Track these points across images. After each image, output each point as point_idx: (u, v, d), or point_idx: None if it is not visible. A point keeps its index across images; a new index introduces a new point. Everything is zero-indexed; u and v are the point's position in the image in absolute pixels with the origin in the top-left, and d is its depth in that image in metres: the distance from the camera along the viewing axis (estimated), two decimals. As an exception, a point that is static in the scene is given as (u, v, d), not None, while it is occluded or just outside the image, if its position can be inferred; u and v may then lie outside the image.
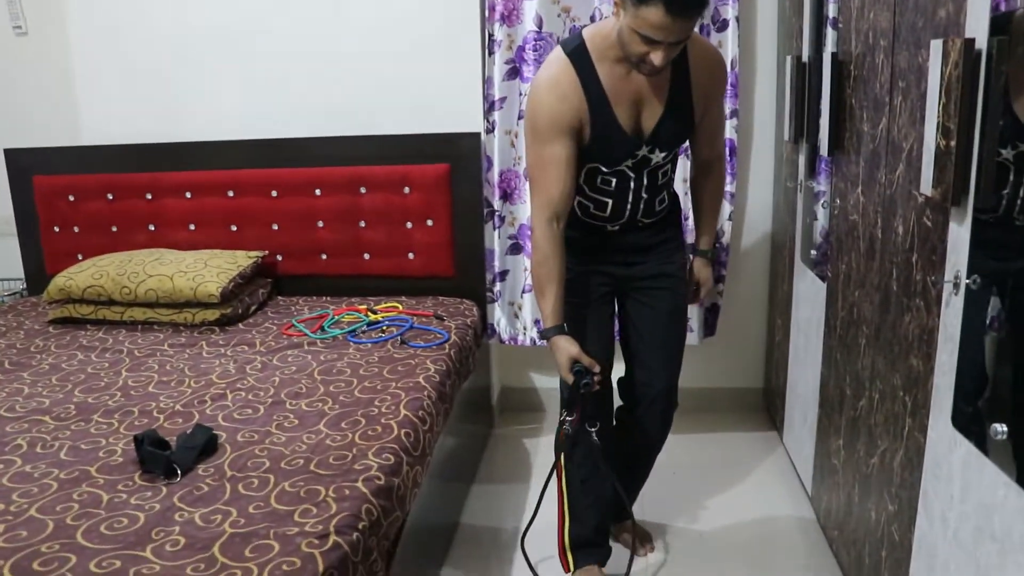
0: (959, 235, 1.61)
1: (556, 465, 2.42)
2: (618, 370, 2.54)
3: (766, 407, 3.70)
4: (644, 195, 2.30)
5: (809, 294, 2.84)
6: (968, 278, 1.56)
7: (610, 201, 2.30)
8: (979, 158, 1.52)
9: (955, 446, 1.63)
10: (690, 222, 2.76)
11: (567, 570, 2.45)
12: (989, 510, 1.48)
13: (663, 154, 2.26)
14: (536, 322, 3.49)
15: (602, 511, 2.49)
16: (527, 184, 3.36)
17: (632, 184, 2.27)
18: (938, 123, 1.63)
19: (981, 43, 1.50)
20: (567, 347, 2.22)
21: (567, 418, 2.32)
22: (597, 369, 2.24)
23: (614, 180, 2.26)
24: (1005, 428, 1.42)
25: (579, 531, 2.44)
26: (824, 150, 2.55)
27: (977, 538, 1.53)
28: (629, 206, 2.31)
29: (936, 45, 1.62)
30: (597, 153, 2.22)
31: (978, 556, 1.53)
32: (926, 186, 1.71)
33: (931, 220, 1.76)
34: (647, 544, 2.72)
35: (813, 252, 2.82)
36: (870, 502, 2.18)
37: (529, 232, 3.39)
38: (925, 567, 1.79)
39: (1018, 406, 1.40)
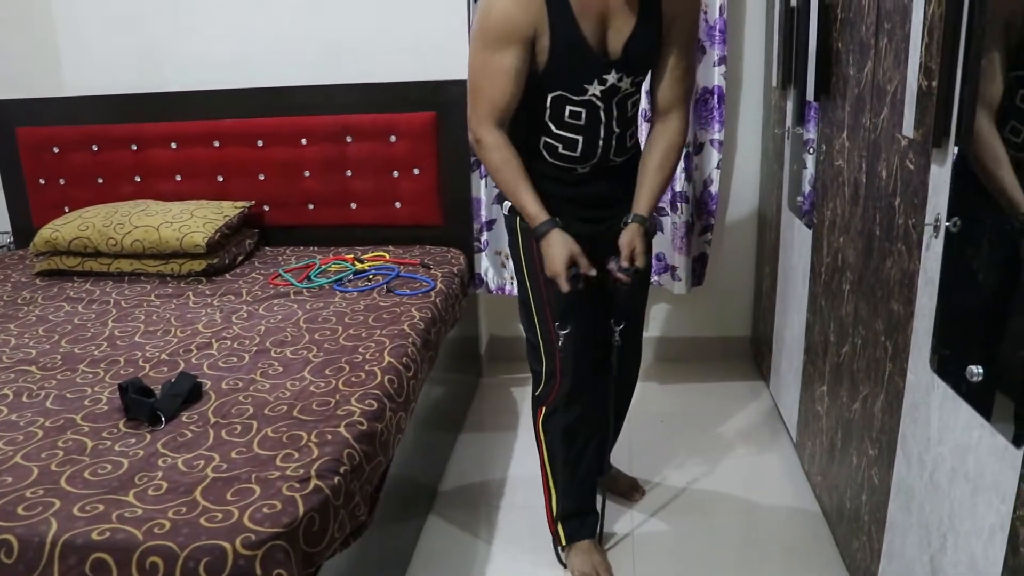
0: (940, 177, 1.60)
1: (536, 440, 2.42)
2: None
3: (754, 355, 3.72)
4: (616, 128, 2.16)
5: (796, 242, 2.84)
6: (948, 220, 1.56)
7: (580, 138, 2.14)
8: (960, 98, 1.51)
9: (933, 389, 1.64)
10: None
11: (557, 542, 2.45)
12: (964, 451, 1.49)
13: (630, 79, 2.11)
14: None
15: (586, 481, 2.43)
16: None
17: (603, 116, 2.12)
18: (920, 63, 1.62)
19: (964, -19, 1.48)
20: (567, 242, 2.10)
21: (543, 393, 2.33)
22: (593, 272, 2.13)
23: (584, 112, 2.11)
24: (981, 370, 1.43)
25: (566, 503, 2.42)
26: (811, 95, 2.53)
27: (952, 478, 1.55)
28: (601, 141, 2.15)
29: (919, -16, 1.60)
30: (561, 73, 2.05)
31: (952, 496, 1.54)
32: (908, 128, 1.70)
33: (913, 163, 1.75)
34: (636, 491, 2.75)
35: (800, 199, 2.81)
36: (852, 447, 2.20)
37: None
38: (902, 508, 1.81)
39: (993, 348, 1.40)
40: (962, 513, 1.50)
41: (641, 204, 2.21)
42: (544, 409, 2.37)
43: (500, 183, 2.15)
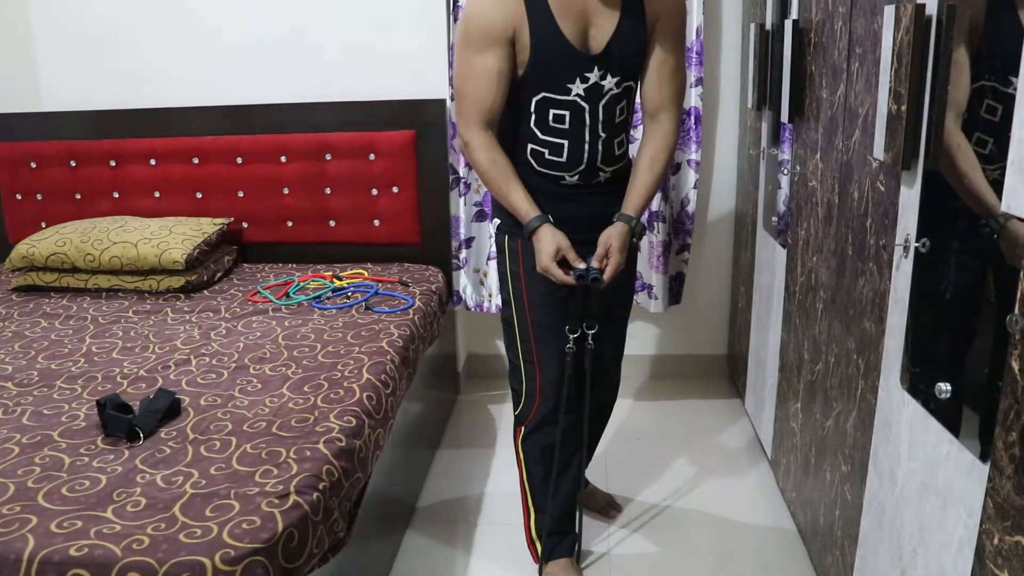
0: (909, 198, 1.64)
1: (516, 459, 2.44)
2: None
3: (730, 373, 3.75)
4: (602, 133, 2.13)
5: (771, 261, 2.88)
6: (918, 241, 1.60)
7: (566, 143, 2.12)
8: (928, 122, 1.55)
9: (903, 406, 1.67)
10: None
11: (536, 560, 2.46)
12: (933, 466, 1.52)
13: (615, 79, 2.09)
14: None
15: (565, 499, 2.43)
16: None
17: (588, 119, 2.11)
18: (890, 88, 1.66)
19: (931, 9, 1.52)
20: (556, 236, 2.09)
21: (523, 412, 2.36)
22: (582, 266, 2.11)
23: (567, 115, 2.10)
24: (949, 387, 1.46)
25: (543, 522, 2.42)
26: (785, 117, 2.57)
27: (922, 494, 1.57)
28: (587, 146, 2.13)
29: (889, 11, 1.65)
30: (542, 71, 2.06)
31: (923, 511, 1.57)
32: (879, 151, 1.74)
33: (884, 184, 1.79)
34: (613, 507, 2.77)
35: (775, 219, 2.85)
36: (825, 463, 2.23)
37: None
38: (875, 524, 1.84)
39: (960, 365, 1.44)
40: (932, 527, 1.53)
41: (629, 203, 2.18)
42: (524, 428, 2.38)
43: (489, 184, 2.15)
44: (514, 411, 2.40)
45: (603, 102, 2.12)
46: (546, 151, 2.16)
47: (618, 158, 2.23)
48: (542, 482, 2.40)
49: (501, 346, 3.79)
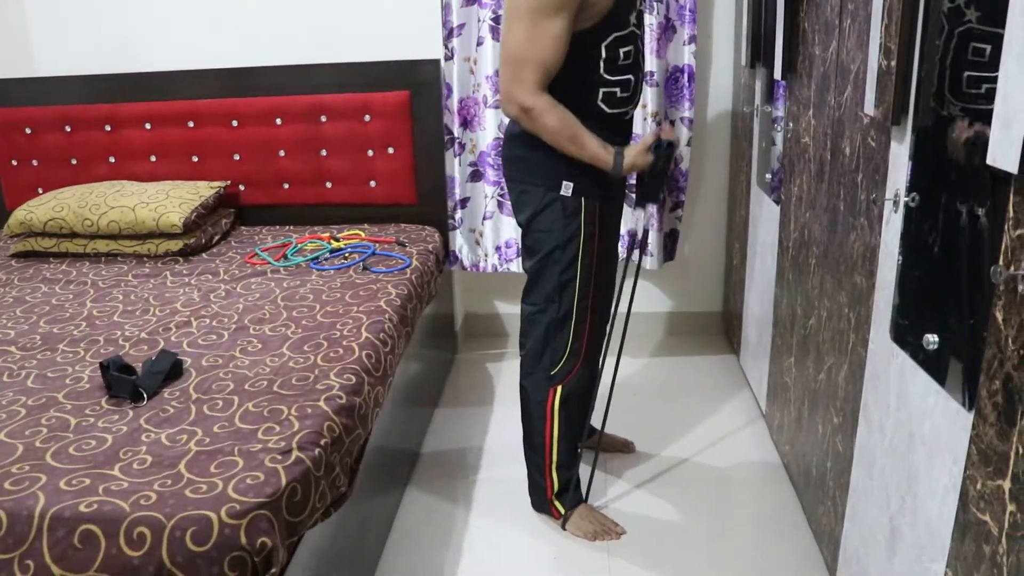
0: (899, 154, 1.66)
1: (546, 421, 2.44)
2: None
3: (724, 330, 3.79)
4: (642, 61, 2.30)
5: (765, 217, 2.90)
6: (907, 196, 1.62)
7: (631, 77, 2.23)
8: (918, 77, 1.56)
9: (892, 358, 1.71)
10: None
11: (557, 516, 2.51)
12: (920, 417, 1.56)
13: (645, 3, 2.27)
14: (497, 248, 3.53)
15: (575, 448, 2.51)
16: (483, 110, 3.37)
17: (640, 46, 2.26)
18: (880, 44, 1.67)
19: (921, -36, 1.53)
20: (637, 151, 2.21)
21: (562, 371, 2.39)
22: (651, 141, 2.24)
23: (632, 49, 2.20)
24: (936, 338, 1.49)
25: (564, 477, 2.49)
26: (778, 74, 2.58)
27: (910, 443, 1.61)
28: (641, 74, 2.29)
29: (879, -33, 1.65)
30: (617, 11, 2.13)
31: (910, 460, 1.61)
32: (869, 106, 1.76)
33: (875, 140, 1.80)
34: (627, 445, 2.90)
35: (769, 176, 2.87)
36: (817, 416, 2.27)
37: (489, 159, 3.42)
38: (865, 474, 1.88)
39: (947, 317, 1.47)
40: (919, 476, 1.57)
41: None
42: (561, 388, 2.40)
43: (563, 141, 2.17)
44: (548, 371, 2.39)
45: (643, 28, 2.28)
46: (618, 90, 2.23)
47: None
48: (569, 444, 2.46)
49: (499, 305, 3.84)
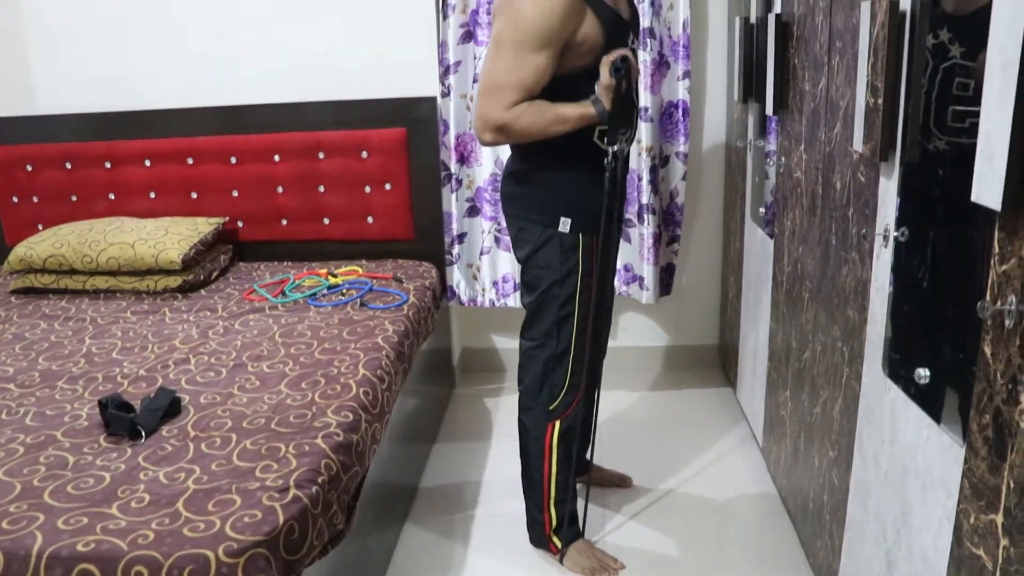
0: (888, 189, 1.69)
1: (544, 456, 2.44)
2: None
3: (721, 363, 3.80)
4: (636, 98, 2.32)
5: (758, 251, 2.92)
6: (896, 230, 1.64)
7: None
8: (905, 113, 1.59)
9: (885, 392, 1.72)
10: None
11: (555, 552, 2.50)
12: (914, 449, 1.57)
13: (636, 42, 2.31)
14: (494, 283, 3.55)
15: (572, 483, 2.50)
16: (479, 146, 3.40)
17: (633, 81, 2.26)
18: (868, 81, 1.70)
19: (905, 4, 1.57)
20: (603, 86, 2.15)
21: (561, 406, 2.39)
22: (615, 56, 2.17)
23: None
24: (928, 372, 1.51)
25: (561, 512, 2.49)
26: (770, 109, 2.61)
27: (904, 476, 1.62)
28: (637, 104, 2.33)
29: (865, 6, 1.69)
30: (607, 51, 2.15)
31: (904, 492, 1.62)
32: (858, 143, 1.78)
33: (864, 175, 1.83)
34: (624, 479, 2.90)
35: (762, 210, 2.90)
36: (813, 449, 2.28)
37: (486, 194, 3.44)
38: (860, 507, 1.89)
39: (938, 351, 1.48)
40: (913, 509, 1.58)
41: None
42: (560, 423, 2.41)
43: (550, 128, 2.16)
44: (547, 406, 2.40)
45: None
46: None
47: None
48: (567, 479, 2.46)
49: (496, 339, 3.85)
